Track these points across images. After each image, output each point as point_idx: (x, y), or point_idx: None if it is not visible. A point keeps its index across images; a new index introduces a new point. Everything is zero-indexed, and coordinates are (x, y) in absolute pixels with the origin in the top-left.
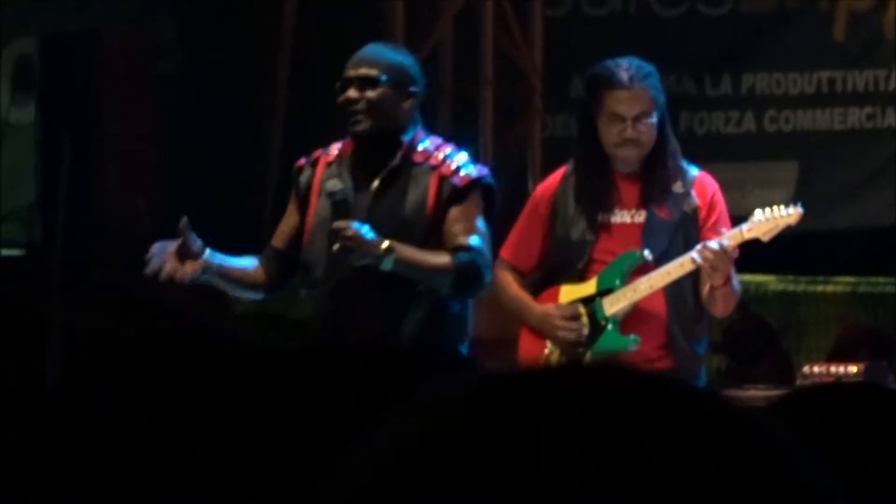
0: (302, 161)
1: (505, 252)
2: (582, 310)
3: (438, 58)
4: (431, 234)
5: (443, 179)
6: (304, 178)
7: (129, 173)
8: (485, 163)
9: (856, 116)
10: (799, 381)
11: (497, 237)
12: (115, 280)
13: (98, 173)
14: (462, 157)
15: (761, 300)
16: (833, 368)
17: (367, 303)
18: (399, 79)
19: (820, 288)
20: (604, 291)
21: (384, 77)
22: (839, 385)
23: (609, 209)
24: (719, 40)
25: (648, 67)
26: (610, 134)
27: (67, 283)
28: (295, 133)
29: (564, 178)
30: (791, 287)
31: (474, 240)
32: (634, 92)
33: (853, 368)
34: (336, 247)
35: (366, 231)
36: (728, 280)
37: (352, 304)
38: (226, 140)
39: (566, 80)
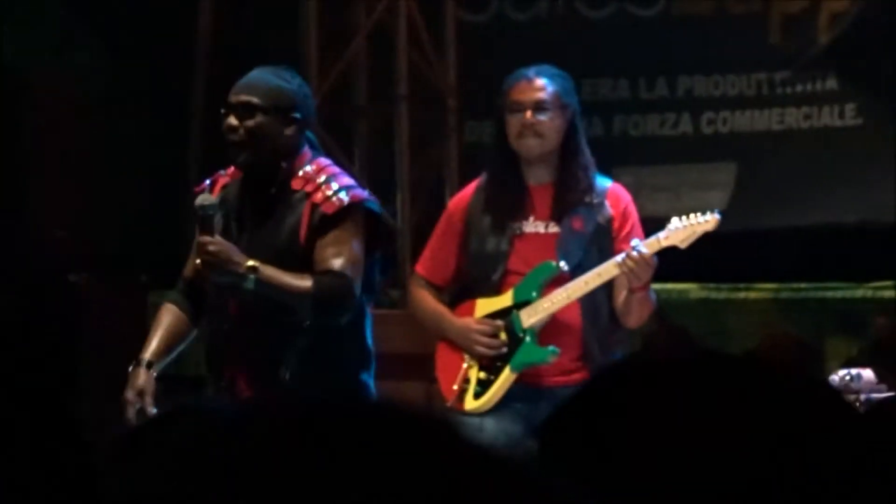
0: (204, 184)
1: (420, 267)
2: (500, 324)
3: (353, 77)
4: (305, 262)
5: (314, 207)
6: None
7: (48, 203)
8: (400, 182)
9: (793, 117)
10: None
11: (416, 253)
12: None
13: (16, 204)
14: (340, 181)
15: (683, 308)
16: None
17: (248, 334)
18: (280, 105)
19: (742, 295)
20: (520, 304)
21: (264, 104)
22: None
23: (522, 219)
24: (652, 43)
25: (560, 73)
26: (510, 126)
27: None
28: (212, 161)
29: (477, 191)
30: (713, 294)
31: (339, 263)
32: (535, 83)
33: None
34: (198, 262)
35: (230, 247)
36: (646, 285)
37: (234, 334)
38: (145, 167)
39: (492, 85)
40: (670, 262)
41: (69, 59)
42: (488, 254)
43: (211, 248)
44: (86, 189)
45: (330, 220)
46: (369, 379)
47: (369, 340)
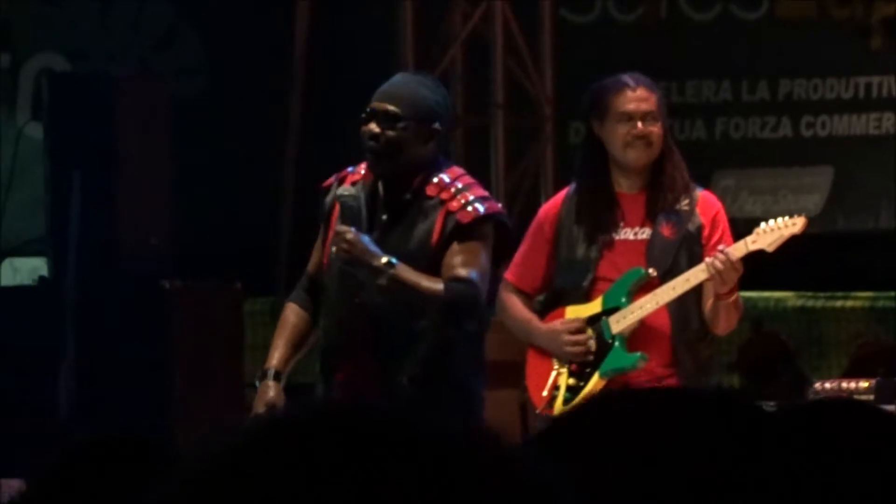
0: (331, 179)
1: (509, 274)
2: (584, 320)
3: (449, 85)
4: (434, 268)
5: (449, 214)
6: (329, 197)
7: (141, 209)
8: (496, 190)
9: (891, 122)
10: (811, 397)
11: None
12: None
13: (109, 208)
14: (475, 192)
15: (780, 316)
16: (845, 384)
17: (368, 337)
18: (422, 117)
19: (839, 303)
20: (609, 310)
21: (406, 115)
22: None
23: (613, 227)
24: (755, 45)
25: (650, 79)
26: (618, 136)
27: (80, 316)
28: (309, 168)
29: (567, 199)
30: (810, 303)
31: (470, 273)
32: (640, 93)
33: (864, 384)
34: (334, 249)
35: (367, 240)
36: (733, 291)
37: (354, 337)
38: (242, 172)
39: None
40: (767, 271)
41: (169, 58)
42: (578, 261)
43: (349, 236)
44: (180, 194)
45: (464, 230)
46: (481, 391)
47: (483, 350)
